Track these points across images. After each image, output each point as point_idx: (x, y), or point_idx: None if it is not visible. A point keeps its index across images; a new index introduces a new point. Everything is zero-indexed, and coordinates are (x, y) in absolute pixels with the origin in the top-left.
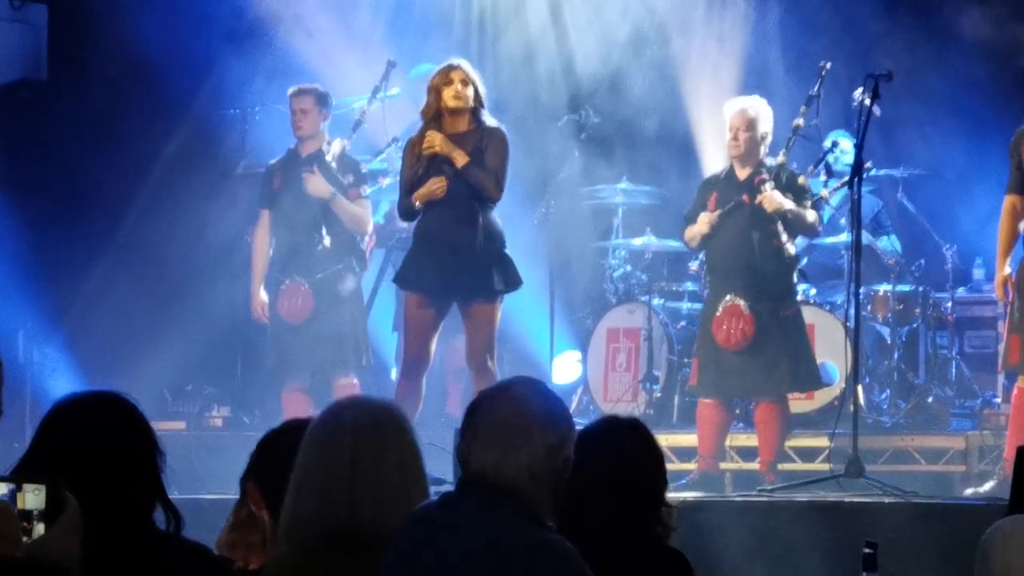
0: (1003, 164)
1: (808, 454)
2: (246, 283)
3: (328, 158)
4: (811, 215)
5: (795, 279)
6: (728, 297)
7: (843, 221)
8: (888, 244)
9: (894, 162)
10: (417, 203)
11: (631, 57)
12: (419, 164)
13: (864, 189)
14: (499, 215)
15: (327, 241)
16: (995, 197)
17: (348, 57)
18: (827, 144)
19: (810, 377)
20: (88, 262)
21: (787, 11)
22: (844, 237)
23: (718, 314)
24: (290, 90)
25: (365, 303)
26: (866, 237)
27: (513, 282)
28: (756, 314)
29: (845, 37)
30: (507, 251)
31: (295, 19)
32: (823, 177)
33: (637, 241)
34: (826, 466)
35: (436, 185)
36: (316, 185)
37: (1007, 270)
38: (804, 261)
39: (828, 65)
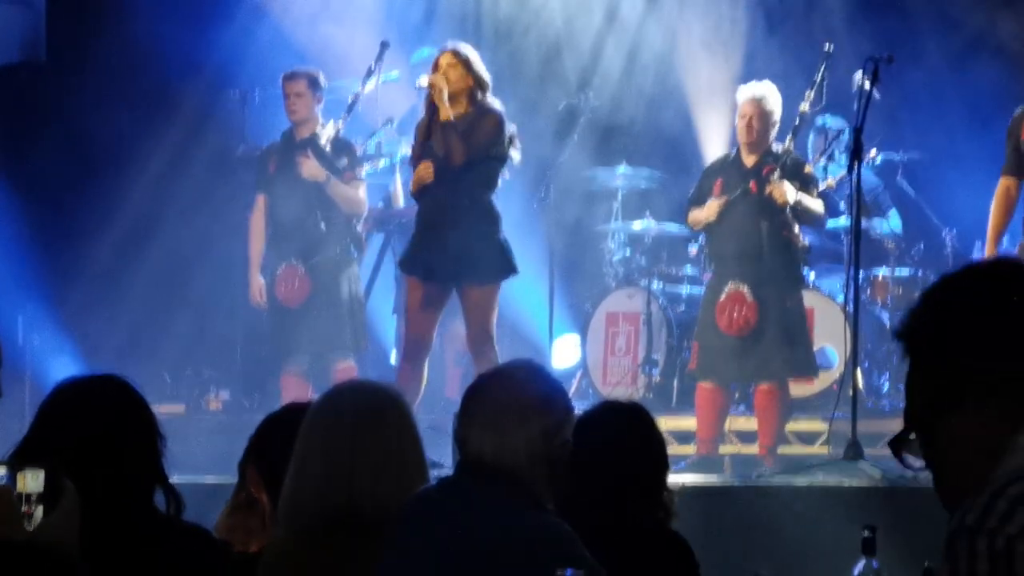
0: (1003, 147)
1: (807, 438)
2: (245, 266)
3: (322, 141)
4: (818, 205)
5: (802, 269)
6: (732, 283)
7: (842, 205)
8: (887, 227)
9: (894, 146)
10: (412, 189)
11: (630, 40)
12: (419, 145)
13: (864, 170)
14: (497, 199)
15: (323, 225)
16: (995, 180)
17: (349, 40)
18: (833, 132)
19: (809, 363)
20: (88, 245)
21: None
22: (843, 221)
23: (722, 299)
24: (283, 74)
25: (364, 286)
26: (865, 221)
27: (509, 268)
28: (760, 301)
29: (844, 20)
30: (503, 236)
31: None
32: (822, 163)
33: (636, 225)
34: (825, 449)
35: (424, 171)
36: (311, 169)
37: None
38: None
39: (831, 47)
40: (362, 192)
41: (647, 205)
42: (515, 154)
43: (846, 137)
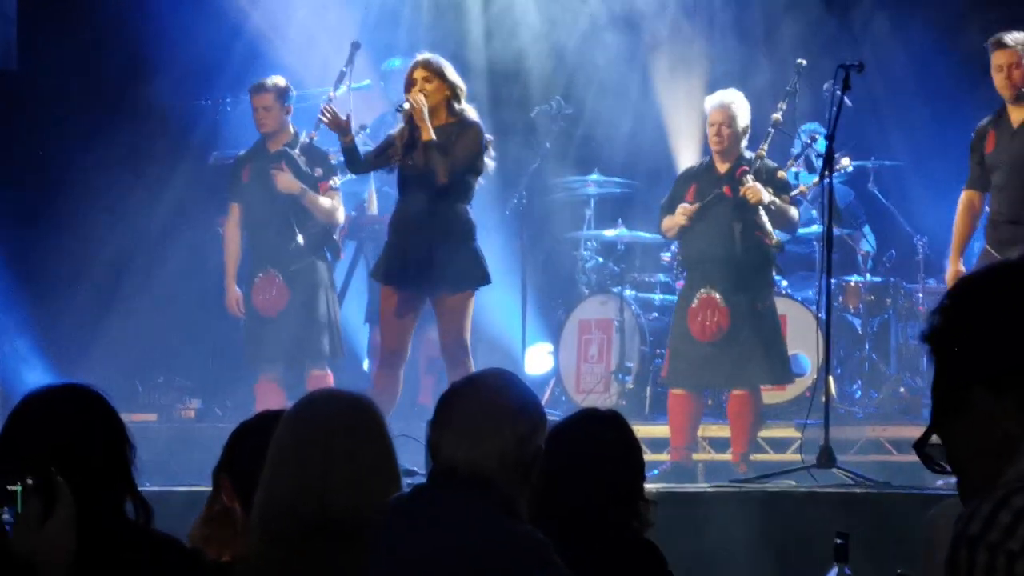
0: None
1: (780, 445)
2: (218, 274)
3: (295, 152)
4: (792, 210)
5: (773, 272)
6: (704, 289)
7: (814, 212)
8: (866, 244)
9: (865, 153)
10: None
11: (603, 47)
12: (396, 147)
13: (835, 180)
14: (471, 207)
15: (300, 235)
16: None
17: (320, 47)
18: (806, 139)
19: (783, 370)
20: (59, 254)
21: (756, 4)
22: (816, 228)
23: (694, 305)
24: (249, 87)
25: (338, 293)
26: (838, 229)
27: (483, 277)
28: (732, 306)
29: (813, 29)
30: (478, 245)
31: (267, 9)
32: (794, 169)
33: (609, 232)
34: (798, 456)
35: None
36: (285, 182)
37: (960, 266)
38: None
39: (804, 63)
40: (338, 203)
41: (619, 213)
42: (489, 162)
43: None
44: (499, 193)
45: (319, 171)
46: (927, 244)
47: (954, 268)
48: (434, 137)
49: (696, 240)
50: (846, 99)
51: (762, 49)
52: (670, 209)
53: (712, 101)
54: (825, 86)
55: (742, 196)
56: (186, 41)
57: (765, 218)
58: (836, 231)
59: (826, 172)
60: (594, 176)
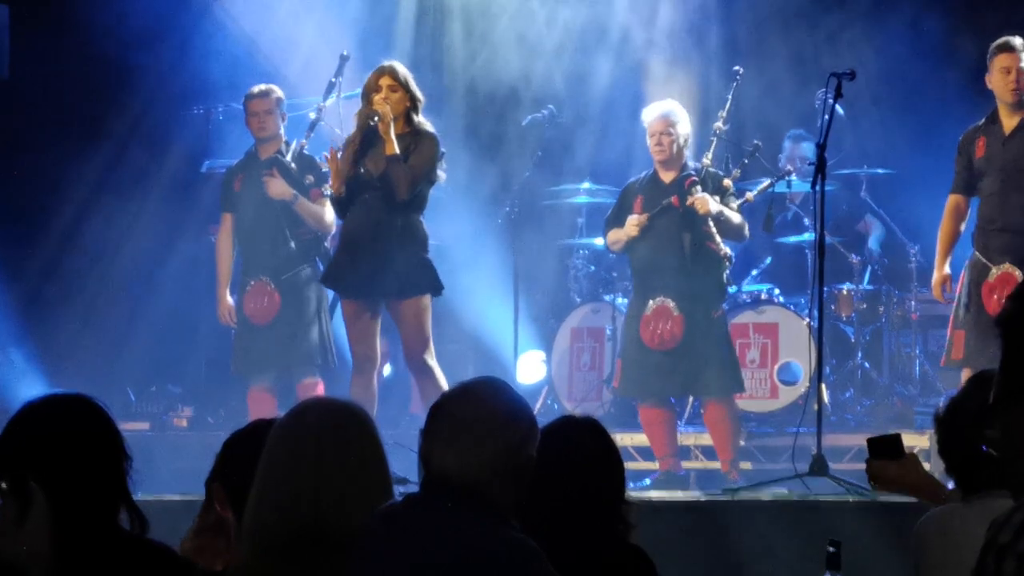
0: None
1: (772, 453)
2: (210, 283)
3: (287, 159)
4: (738, 218)
5: (726, 280)
6: (658, 298)
7: (806, 221)
8: (873, 242)
9: (858, 161)
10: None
11: (594, 56)
12: (346, 155)
13: (827, 188)
14: (423, 217)
15: (292, 242)
16: None
17: (308, 57)
18: (749, 148)
19: (736, 380)
20: (51, 262)
21: (746, 12)
22: (807, 236)
23: (647, 314)
24: (250, 93)
25: (330, 302)
26: (830, 237)
27: (432, 285)
28: (686, 315)
29: (804, 38)
30: (428, 256)
31: (257, 19)
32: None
33: (601, 241)
34: (790, 465)
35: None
36: (277, 188)
37: (946, 270)
38: (734, 258)
39: (741, 70)
40: (329, 210)
41: None
42: (441, 174)
43: (807, 151)
44: (492, 202)
45: (310, 178)
46: (920, 252)
47: (940, 273)
48: (397, 151)
49: (646, 250)
50: (838, 107)
51: (753, 60)
52: (617, 222)
53: (651, 112)
54: (817, 94)
55: (690, 206)
56: (178, 50)
57: (714, 228)
58: (828, 239)
59: (817, 179)
60: (586, 184)
